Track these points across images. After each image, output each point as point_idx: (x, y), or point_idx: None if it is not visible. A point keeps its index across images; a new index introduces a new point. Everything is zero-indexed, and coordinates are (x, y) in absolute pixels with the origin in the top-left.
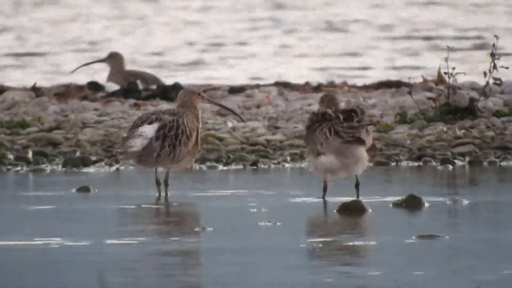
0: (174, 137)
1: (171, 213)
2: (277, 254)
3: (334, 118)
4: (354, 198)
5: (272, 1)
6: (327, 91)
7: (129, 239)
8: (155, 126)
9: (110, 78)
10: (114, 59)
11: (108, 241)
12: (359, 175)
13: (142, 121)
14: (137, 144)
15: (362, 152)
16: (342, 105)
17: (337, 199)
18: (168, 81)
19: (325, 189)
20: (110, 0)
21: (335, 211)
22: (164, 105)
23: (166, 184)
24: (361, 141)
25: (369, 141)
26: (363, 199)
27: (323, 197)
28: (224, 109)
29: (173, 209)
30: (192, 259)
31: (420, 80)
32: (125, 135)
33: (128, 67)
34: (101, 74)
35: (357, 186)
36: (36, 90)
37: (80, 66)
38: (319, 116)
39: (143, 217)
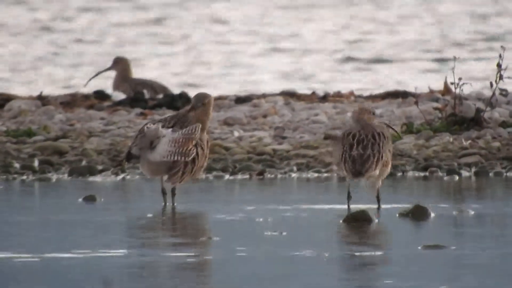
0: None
1: (178, 222)
2: (283, 264)
3: (348, 145)
4: (366, 207)
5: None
6: (360, 105)
7: (135, 249)
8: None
9: (116, 86)
10: (120, 65)
11: (115, 251)
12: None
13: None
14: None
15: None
16: (376, 117)
17: (352, 206)
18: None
19: (348, 197)
20: None
21: (341, 221)
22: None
23: (174, 194)
24: (360, 175)
25: (380, 167)
26: (369, 209)
27: (348, 204)
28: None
29: (179, 219)
30: (198, 269)
31: (427, 90)
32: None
33: (138, 72)
34: (107, 82)
35: (377, 197)
36: (42, 99)
37: (91, 78)
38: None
39: (149, 227)
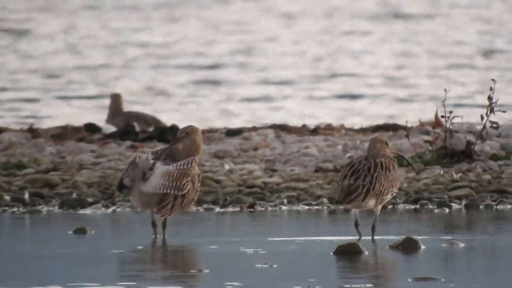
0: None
1: (168, 255)
2: None
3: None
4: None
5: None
6: (375, 135)
7: (126, 283)
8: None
9: (109, 120)
10: (113, 101)
11: (106, 286)
12: (377, 217)
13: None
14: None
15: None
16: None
17: (341, 238)
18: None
19: (356, 225)
20: None
21: (331, 253)
22: (161, 147)
23: (164, 226)
24: (340, 204)
25: (373, 197)
26: (360, 242)
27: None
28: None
29: (170, 251)
30: None
31: (417, 123)
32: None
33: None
34: (97, 115)
35: (372, 229)
36: (32, 132)
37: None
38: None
39: (140, 260)
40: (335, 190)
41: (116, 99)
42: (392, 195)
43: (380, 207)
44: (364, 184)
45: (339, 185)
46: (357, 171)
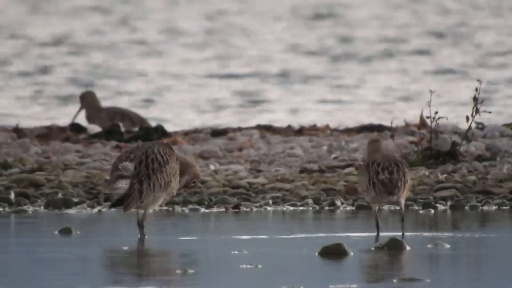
0: (145, 168)
1: (153, 255)
2: None
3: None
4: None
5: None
6: (373, 137)
7: (111, 283)
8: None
9: (91, 119)
10: (86, 100)
11: (90, 286)
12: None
13: (121, 161)
14: (123, 184)
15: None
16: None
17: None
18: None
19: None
20: None
21: (316, 253)
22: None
23: (142, 226)
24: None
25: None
26: (345, 242)
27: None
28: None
29: (155, 252)
30: None
31: (403, 124)
32: (107, 177)
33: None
34: (82, 116)
35: (402, 220)
36: (18, 131)
37: (74, 117)
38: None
39: (125, 260)
40: (365, 187)
41: (87, 97)
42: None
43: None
44: (400, 178)
45: (373, 181)
46: (387, 167)
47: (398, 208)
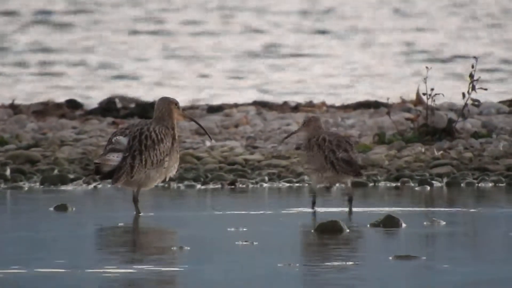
0: (138, 144)
1: (149, 232)
2: (255, 274)
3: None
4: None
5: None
6: (311, 114)
7: (107, 261)
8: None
9: None
10: None
11: (86, 264)
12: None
13: (116, 135)
14: (115, 156)
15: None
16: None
17: (324, 210)
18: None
19: (314, 202)
20: None
21: (312, 230)
22: None
23: (136, 201)
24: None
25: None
26: (341, 219)
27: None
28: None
29: (151, 229)
30: (169, 279)
31: (399, 100)
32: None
33: None
34: (78, 91)
35: (350, 200)
36: (14, 108)
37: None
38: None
39: (120, 238)
40: (320, 166)
41: None
42: None
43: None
44: (357, 156)
45: (332, 160)
46: (339, 145)
47: (393, 184)
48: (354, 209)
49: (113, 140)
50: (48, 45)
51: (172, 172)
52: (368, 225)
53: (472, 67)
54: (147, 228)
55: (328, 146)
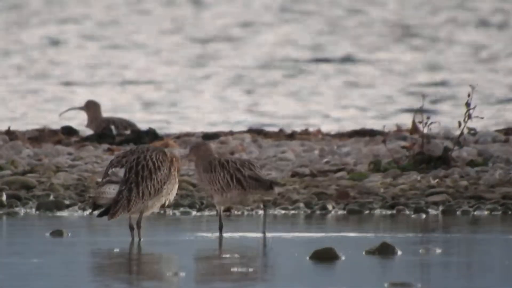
0: (134, 175)
1: (144, 258)
2: None
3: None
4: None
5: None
6: (199, 142)
7: (102, 287)
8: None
9: (88, 126)
10: (89, 108)
11: None
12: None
13: (112, 165)
14: (111, 189)
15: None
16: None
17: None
18: None
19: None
20: None
21: (308, 258)
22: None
23: (139, 227)
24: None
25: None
26: (336, 247)
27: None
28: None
29: (146, 255)
30: None
31: (394, 128)
32: (99, 180)
33: None
34: (74, 120)
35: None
36: (10, 134)
37: (64, 112)
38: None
39: (116, 263)
40: (225, 185)
41: (91, 106)
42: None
43: None
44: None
45: (238, 177)
46: (243, 165)
47: (389, 212)
48: (350, 234)
49: (109, 172)
50: None
51: (172, 196)
52: (364, 252)
53: (468, 95)
54: (142, 254)
55: (233, 166)
